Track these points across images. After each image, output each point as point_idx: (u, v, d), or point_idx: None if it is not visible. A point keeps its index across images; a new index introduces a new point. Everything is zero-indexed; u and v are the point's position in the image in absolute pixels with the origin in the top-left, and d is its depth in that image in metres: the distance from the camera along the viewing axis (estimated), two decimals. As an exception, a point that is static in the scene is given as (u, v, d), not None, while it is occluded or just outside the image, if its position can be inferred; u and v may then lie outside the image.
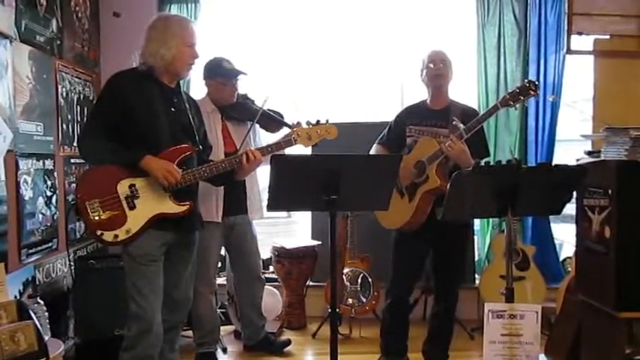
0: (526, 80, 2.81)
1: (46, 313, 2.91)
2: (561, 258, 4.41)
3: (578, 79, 4.40)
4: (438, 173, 2.88)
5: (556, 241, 4.37)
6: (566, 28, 4.05)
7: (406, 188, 3.00)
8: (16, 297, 2.84)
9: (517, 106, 2.81)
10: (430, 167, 2.89)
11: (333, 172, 2.22)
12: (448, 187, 2.32)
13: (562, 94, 4.23)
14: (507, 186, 2.24)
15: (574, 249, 3.02)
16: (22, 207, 3.10)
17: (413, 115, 3.11)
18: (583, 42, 4.09)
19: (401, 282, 3.11)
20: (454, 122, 2.80)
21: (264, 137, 3.58)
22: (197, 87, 4.25)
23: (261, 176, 3.40)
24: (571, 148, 4.18)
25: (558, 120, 4.24)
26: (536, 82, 2.76)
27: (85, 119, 3.81)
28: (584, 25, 4.03)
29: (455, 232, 2.97)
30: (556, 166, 2.46)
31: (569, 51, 4.10)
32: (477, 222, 4.42)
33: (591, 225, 2.66)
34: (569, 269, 3.82)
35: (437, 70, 2.99)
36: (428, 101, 3.10)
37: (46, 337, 2.65)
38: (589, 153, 2.95)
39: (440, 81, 3.01)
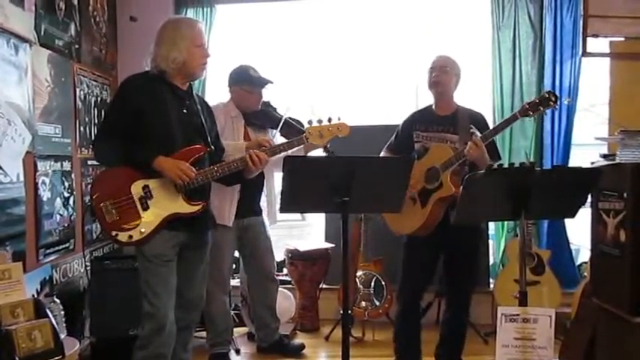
0: (546, 91, 2.78)
1: (62, 312, 2.95)
2: (578, 263, 4.37)
3: (595, 82, 4.36)
4: (452, 180, 2.85)
5: (573, 246, 4.33)
6: (581, 30, 4.03)
7: (418, 194, 2.97)
8: (33, 296, 2.89)
9: (536, 116, 2.78)
10: (444, 174, 2.87)
11: (345, 174, 2.22)
12: (461, 189, 2.31)
13: (579, 98, 4.19)
14: (520, 188, 2.22)
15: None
16: (40, 208, 3.16)
17: (419, 121, 3.09)
18: (599, 44, 4.06)
19: (411, 288, 3.07)
20: (471, 130, 2.80)
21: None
22: (212, 90, 4.29)
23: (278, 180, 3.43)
24: (589, 153, 4.14)
25: (575, 124, 4.20)
26: (557, 94, 2.72)
27: (100, 122, 3.87)
28: (599, 27, 4.00)
29: (467, 237, 2.94)
30: (570, 168, 2.44)
31: (584, 53, 4.06)
32: (491, 226, 4.39)
33: (606, 228, 2.63)
34: (585, 274, 3.78)
35: (435, 77, 2.98)
36: (433, 106, 3.08)
37: (62, 336, 2.69)
38: (604, 156, 2.92)
39: (438, 88, 3.00)
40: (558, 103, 2.73)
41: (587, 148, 4.32)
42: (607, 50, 4.11)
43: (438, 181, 2.90)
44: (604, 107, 4.24)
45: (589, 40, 4.04)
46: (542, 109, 2.71)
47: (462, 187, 2.29)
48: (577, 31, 4.10)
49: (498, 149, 3.08)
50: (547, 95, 2.71)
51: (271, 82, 3.41)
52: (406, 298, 3.08)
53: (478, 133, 2.77)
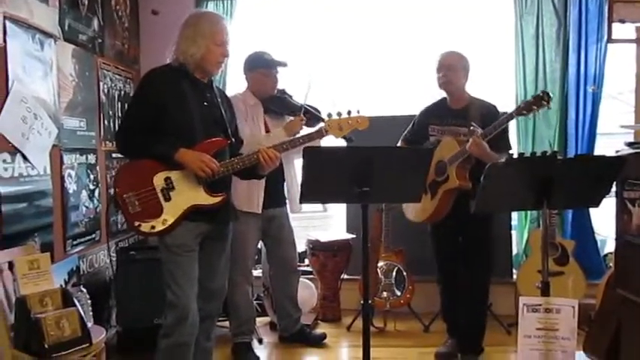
0: (541, 91, 2.83)
1: (89, 301, 3.02)
2: (604, 253, 4.30)
3: (623, 70, 4.26)
4: (458, 174, 3.00)
5: (599, 237, 4.26)
6: (607, 15, 3.94)
7: (429, 186, 3.12)
8: (61, 285, 2.96)
9: (530, 115, 2.89)
10: (450, 168, 3.03)
11: (365, 164, 2.23)
12: (482, 178, 2.29)
13: (605, 85, 4.10)
14: (543, 178, 2.20)
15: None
16: (66, 200, 3.24)
17: (434, 115, 3.22)
18: (625, 30, 3.96)
19: (445, 264, 3.30)
20: (472, 127, 2.90)
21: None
22: (233, 82, 4.31)
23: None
24: (615, 142, 4.06)
25: (602, 112, 4.11)
26: (550, 94, 2.75)
27: (122, 115, 3.92)
28: (625, 12, 3.91)
29: (475, 226, 3.05)
30: (593, 157, 2.41)
31: (610, 39, 3.98)
32: (514, 216, 4.36)
33: (631, 218, 2.59)
34: (611, 265, 3.72)
35: (442, 78, 3.10)
36: (447, 100, 3.19)
37: (89, 324, 2.75)
38: (630, 144, 2.86)
39: (448, 87, 3.12)
40: (551, 104, 2.76)
41: (614, 137, 4.24)
42: (633, 36, 4.01)
43: (445, 174, 3.05)
44: (631, 95, 4.15)
45: (614, 25, 3.96)
46: (535, 108, 2.76)
47: (482, 177, 2.28)
48: (602, 17, 4.01)
49: (509, 140, 3.15)
50: (541, 95, 2.75)
51: (285, 65, 3.44)
52: (442, 275, 3.35)
53: (479, 130, 2.86)
